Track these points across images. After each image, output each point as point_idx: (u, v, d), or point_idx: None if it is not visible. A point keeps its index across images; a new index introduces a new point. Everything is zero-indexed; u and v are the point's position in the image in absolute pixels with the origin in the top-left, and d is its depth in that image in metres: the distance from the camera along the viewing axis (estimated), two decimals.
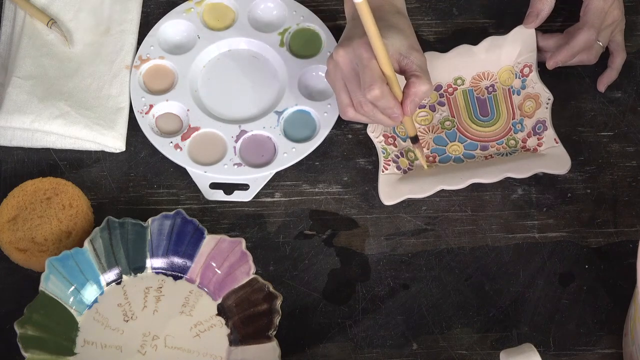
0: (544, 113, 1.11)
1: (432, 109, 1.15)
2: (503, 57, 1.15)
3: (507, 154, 1.11)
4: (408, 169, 1.10)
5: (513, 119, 1.13)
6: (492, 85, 1.15)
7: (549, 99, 1.12)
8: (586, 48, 1.12)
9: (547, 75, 1.14)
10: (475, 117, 1.14)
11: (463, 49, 1.15)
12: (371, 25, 0.97)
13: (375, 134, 1.10)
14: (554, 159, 1.09)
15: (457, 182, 1.08)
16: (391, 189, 1.08)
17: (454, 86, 1.15)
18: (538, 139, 1.11)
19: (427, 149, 1.12)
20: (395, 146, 1.11)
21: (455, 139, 1.13)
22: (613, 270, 1.06)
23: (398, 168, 1.09)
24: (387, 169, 1.09)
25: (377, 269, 1.06)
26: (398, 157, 1.10)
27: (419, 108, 1.14)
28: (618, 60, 1.15)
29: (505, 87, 1.15)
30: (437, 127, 1.14)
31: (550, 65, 1.13)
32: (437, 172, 1.10)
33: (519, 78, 1.14)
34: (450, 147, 1.12)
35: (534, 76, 1.13)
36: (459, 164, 1.11)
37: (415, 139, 1.08)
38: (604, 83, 1.15)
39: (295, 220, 1.09)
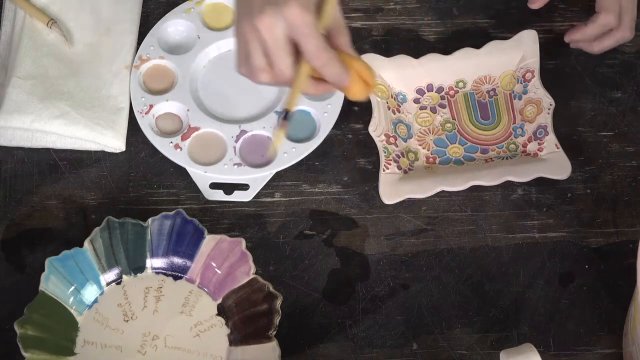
0: (546, 118, 1.11)
1: (433, 110, 1.15)
2: (505, 62, 1.15)
3: (507, 158, 1.11)
4: (408, 169, 1.10)
5: (514, 123, 1.13)
6: (494, 89, 1.15)
7: (550, 105, 1.12)
8: (604, 30, 1.13)
9: (547, 76, 1.14)
10: (476, 120, 1.14)
11: (466, 52, 1.15)
12: None
13: (376, 133, 1.10)
14: (555, 164, 1.09)
15: (458, 184, 1.08)
16: (392, 189, 1.08)
17: (455, 89, 1.15)
18: (539, 144, 1.11)
19: (428, 150, 1.12)
20: (397, 146, 1.11)
21: (455, 141, 1.13)
22: (613, 270, 1.06)
23: (399, 168, 1.09)
24: (387, 168, 1.09)
25: (377, 269, 1.06)
26: (399, 157, 1.10)
27: (421, 110, 1.14)
28: (601, 17, 1.13)
29: (506, 92, 1.15)
30: (437, 128, 1.14)
31: (596, 50, 1.15)
32: (438, 173, 1.09)
33: (521, 83, 1.14)
34: (450, 149, 1.12)
35: (535, 82, 1.13)
36: (459, 166, 1.11)
37: (286, 116, 0.94)
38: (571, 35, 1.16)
39: (295, 220, 1.09)
